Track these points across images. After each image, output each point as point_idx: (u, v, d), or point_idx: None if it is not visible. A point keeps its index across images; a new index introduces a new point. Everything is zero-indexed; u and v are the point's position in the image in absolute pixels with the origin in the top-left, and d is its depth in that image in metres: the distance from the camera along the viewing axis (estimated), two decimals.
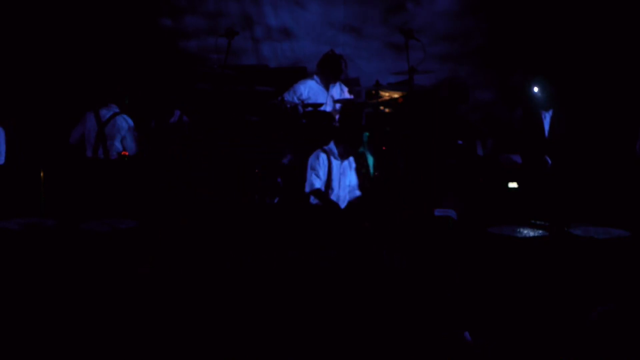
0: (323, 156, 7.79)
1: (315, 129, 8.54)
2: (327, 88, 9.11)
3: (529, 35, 9.84)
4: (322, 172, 7.72)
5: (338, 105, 9.01)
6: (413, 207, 7.65)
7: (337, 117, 8.91)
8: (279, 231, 7.16)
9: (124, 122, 8.57)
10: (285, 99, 8.98)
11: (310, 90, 9.06)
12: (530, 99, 8.63)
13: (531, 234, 6.68)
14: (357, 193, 8.03)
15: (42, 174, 8.04)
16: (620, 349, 5.64)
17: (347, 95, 9.24)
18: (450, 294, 6.36)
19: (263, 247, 6.92)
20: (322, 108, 8.78)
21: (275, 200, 8.06)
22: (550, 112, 8.55)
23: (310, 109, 8.68)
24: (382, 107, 8.89)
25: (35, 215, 7.18)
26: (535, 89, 8.49)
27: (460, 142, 8.45)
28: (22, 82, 9.47)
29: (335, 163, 7.83)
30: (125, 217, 7.11)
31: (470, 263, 6.65)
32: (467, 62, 10.20)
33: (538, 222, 6.85)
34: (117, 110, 8.60)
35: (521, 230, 6.75)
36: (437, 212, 7.44)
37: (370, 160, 8.44)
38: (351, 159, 8.00)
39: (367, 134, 8.52)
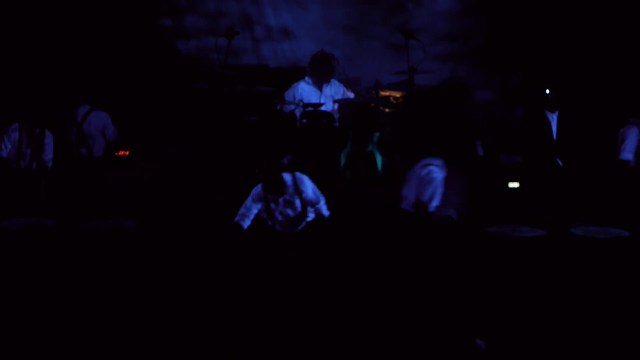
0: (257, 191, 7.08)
1: (315, 128, 8.55)
2: (319, 88, 9.11)
3: (529, 36, 9.84)
4: (247, 207, 7.02)
5: (337, 106, 9.01)
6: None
7: (336, 116, 8.91)
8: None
9: (99, 118, 8.64)
10: (286, 98, 9.00)
11: (302, 92, 9.06)
12: (534, 100, 8.62)
13: (531, 234, 6.68)
14: (310, 217, 7.20)
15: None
16: (619, 348, 5.64)
17: (348, 94, 9.24)
18: (450, 294, 6.36)
19: (263, 246, 6.93)
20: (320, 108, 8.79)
21: None
22: (556, 113, 8.55)
23: (310, 108, 8.68)
24: (381, 107, 8.91)
25: (35, 215, 7.19)
26: (547, 91, 8.47)
27: (460, 142, 8.45)
28: (23, 82, 9.48)
29: (273, 197, 7.06)
30: (118, 215, 7.15)
31: (470, 263, 6.65)
32: (467, 62, 10.21)
33: (538, 222, 6.86)
34: (88, 107, 8.66)
35: (521, 230, 6.75)
36: (437, 212, 7.43)
37: (379, 159, 8.46)
38: (290, 191, 7.07)
39: (377, 133, 8.53)
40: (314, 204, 7.16)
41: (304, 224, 7.18)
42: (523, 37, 9.88)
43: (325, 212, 7.23)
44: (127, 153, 8.72)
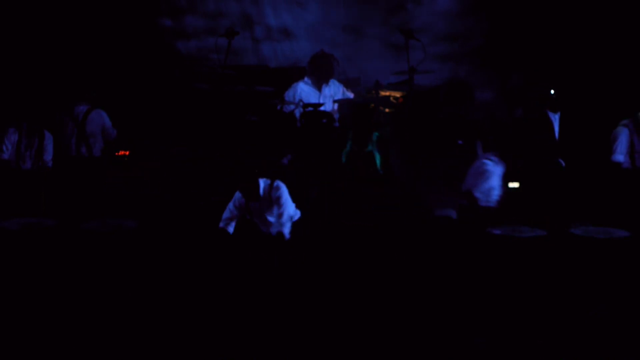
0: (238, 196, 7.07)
1: (315, 128, 8.56)
2: (319, 89, 9.12)
3: (529, 36, 9.84)
4: (230, 211, 7.01)
5: (337, 106, 9.02)
6: (415, 207, 7.66)
7: (336, 116, 8.92)
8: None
9: (100, 116, 8.64)
10: (286, 98, 9.01)
11: (302, 92, 9.07)
12: (534, 100, 8.61)
13: (531, 234, 6.68)
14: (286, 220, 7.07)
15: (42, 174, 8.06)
16: (619, 348, 5.64)
17: (348, 94, 9.25)
18: (451, 293, 6.36)
19: (262, 247, 6.93)
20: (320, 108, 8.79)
21: None
22: (558, 113, 8.55)
23: (310, 108, 8.69)
24: (381, 107, 8.92)
25: (35, 215, 7.19)
26: (552, 91, 8.47)
27: (460, 142, 8.45)
28: (23, 82, 9.48)
29: (252, 202, 7.06)
30: (118, 215, 7.15)
31: (471, 263, 6.66)
32: (467, 62, 10.21)
33: (538, 222, 6.86)
34: (88, 106, 8.65)
35: (521, 230, 6.75)
36: (437, 212, 7.44)
37: (378, 157, 8.47)
38: (267, 188, 7.04)
39: (377, 133, 8.54)
40: (278, 217, 7.03)
41: (278, 228, 7.06)
42: (523, 37, 9.88)
43: (287, 234, 6.99)
44: (127, 153, 8.72)
